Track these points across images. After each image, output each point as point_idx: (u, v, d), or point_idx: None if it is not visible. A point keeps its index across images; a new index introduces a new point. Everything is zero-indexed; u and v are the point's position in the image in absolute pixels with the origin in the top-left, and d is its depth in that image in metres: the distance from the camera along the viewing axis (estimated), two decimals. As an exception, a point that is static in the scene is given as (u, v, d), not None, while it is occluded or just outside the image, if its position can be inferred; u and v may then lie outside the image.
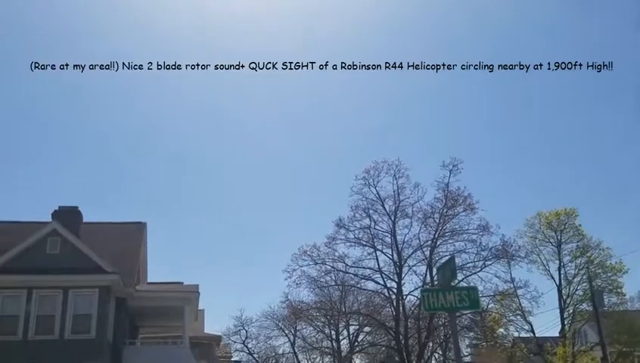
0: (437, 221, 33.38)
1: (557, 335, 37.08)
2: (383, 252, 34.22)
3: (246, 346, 50.40)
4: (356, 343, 46.15)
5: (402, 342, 33.99)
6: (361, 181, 33.98)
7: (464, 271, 32.83)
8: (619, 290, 35.26)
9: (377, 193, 33.97)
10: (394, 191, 33.98)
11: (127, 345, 22.73)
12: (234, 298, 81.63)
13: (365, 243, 33.98)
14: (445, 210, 33.37)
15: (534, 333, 36.90)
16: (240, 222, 79.99)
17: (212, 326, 73.34)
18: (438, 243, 33.80)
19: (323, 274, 34.98)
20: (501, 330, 37.75)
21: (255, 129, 76.50)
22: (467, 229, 33.14)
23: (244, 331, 49.83)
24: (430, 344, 39.50)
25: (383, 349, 42.09)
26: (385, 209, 34.10)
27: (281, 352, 51.52)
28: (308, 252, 33.86)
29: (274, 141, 76.50)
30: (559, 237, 36.67)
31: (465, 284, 30.40)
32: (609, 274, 35.18)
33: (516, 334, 38.40)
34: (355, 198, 33.99)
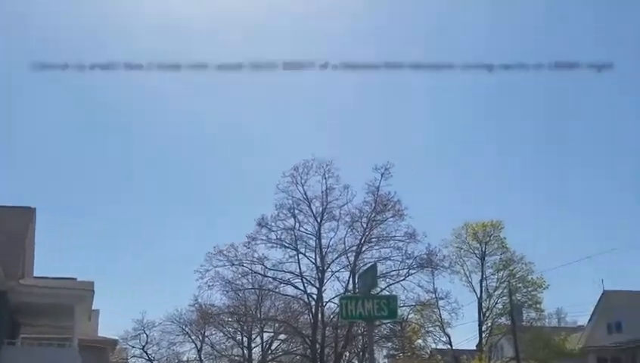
0: (365, 225, 34.92)
1: (474, 348, 40.05)
2: (306, 256, 35.35)
3: (146, 352, 50.33)
4: (269, 351, 46.81)
5: (318, 350, 35.19)
6: (289, 179, 34.68)
7: (387, 279, 34.67)
8: (538, 306, 38.53)
9: (305, 193, 34.93)
10: (322, 192, 35.07)
11: (5, 344, 21.54)
12: (136, 299, 79.61)
13: (287, 244, 34.90)
14: (373, 215, 34.93)
15: (451, 346, 39.25)
16: (146, 217, 78.16)
17: (108, 329, 71.45)
18: (363, 248, 35.29)
19: (239, 276, 35.60)
20: (420, 341, 40.28)
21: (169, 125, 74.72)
22: (394, 236, 34.95)
23: (145, 335, 49.70)
24: (347, 353, 41.38)
25: (298, 357, 43.03)
26: (311, 210, 35.23)
27: (185, 358, 51.39)
28: (224, 252, 34.27)
29: (192, 130, 75.60)
30: (484, 248, 39.64)
31: (388, 293, 31.82)
32: (529, 289, 38.29)
33: (433, 346, 41.14)
34: (281, 196, 34.70)
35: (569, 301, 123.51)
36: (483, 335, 39.53)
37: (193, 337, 49.10)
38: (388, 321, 32.42)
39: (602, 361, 39.64)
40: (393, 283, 34.74)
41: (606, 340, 40.74)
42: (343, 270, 35.73)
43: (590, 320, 43.74)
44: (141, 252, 79.46)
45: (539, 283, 38.35)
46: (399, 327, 39.90)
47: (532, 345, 37.00)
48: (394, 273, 34.88)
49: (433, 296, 37.10)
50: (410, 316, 37.69)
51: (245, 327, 46.21)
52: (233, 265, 34.78)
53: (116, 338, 46.03)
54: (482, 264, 39.75)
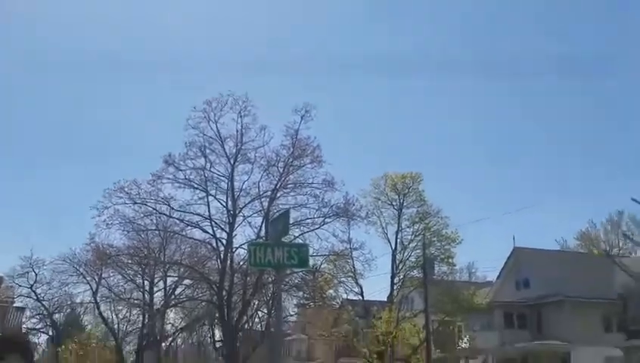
0: (281, 170, 35.01)
1: (385, 300, 41.39)
2: (216, 199, 35.24)
3: (35, 291, 49.85)
4: (173, 297, 47.44)
5: (225, 297, 35.62)
6: (201, 114, 34.04)
7: (301, 227, 35.16)
8: (450, 260, 39.93)
9: (218, 131, 34.54)
10: (237, 131, 34.78)
11: None
12: (25, 236, 77.96)
13: (196, 185, 34.56)
14: (291, 159, 35.02)
15: (363, 297, 40.51)
16: (37, 147, 76.15)
17: (-8, 266, 69.62)
18: (278, 194, 35.49)
19: (142, 216, 35.04)
20: (331, 291, 41.24)
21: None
22: (312, 183, 35.25)
23: (34, 274, 48.99)
24: (256, 302, 42.15)
25: (203, 304, 43.47)
26: (224, 150, 34.91)
27: (79, 300, 51.37)
28: (126, 189, 33.48)
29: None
30: (401, 200, 40.59)
31: (301, 241, 32.01)
32: (443, 243, 39.63)
33: (345, 296, 42.14)
34: (191, 133, 34.13)
35: (481, 256, 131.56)
36: (395, 287, 40.70)
37: (88, 278, 48.50)
38: (299, 269, 33.29)
39: (508, 317, 41.65)
40: (307, 232, 35.19)
41: (513, 296, 42.95)
42: (255, 215, 36.00)
43: (499, 276, 45.93)
44: (30, 187, 77.59)
45: (452, 238, 39.61)
46: (311, 277, 40.63)
47: (441, 299, 38.55)
48: (309, 221, 35.20)
49: (348, 246, 37.78)
50: (323, 266, 38.32)
51: (147, 271, 46.14)
52: (135, 203, 34.08)
53: (1, 275, 45.38)
54: (399, 216, 40.63)
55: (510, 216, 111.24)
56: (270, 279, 34.38)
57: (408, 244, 40.66)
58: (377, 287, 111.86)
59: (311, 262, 34.96)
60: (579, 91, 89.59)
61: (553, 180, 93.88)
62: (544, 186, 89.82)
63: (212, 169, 34.91)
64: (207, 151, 34.55)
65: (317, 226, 35.19)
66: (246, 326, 43.92)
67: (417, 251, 39.87)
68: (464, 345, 41.53)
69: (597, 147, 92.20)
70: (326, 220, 35.13)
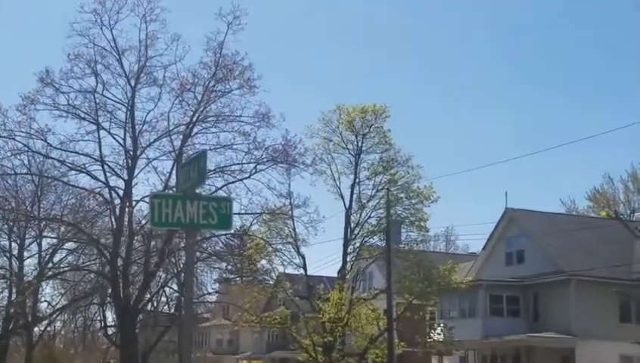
0: (199, 97, 34.97)
1: (335, 275, 41.98)
2: (110, 133, 35.08)
3: None
4: (50, 265, 47.55)
5: (121, 268, 35.79)
6: (91, 17, 33.48)
7: (225, 176, 35.40)
8: (422, 224, 40.22)
9: (114, 40, 34.24)
10: (140, 42, 34.46)
11: None
12: None
13: (83, 114, 34.36)
14: (212, 83, 34.97)
15: (306, 271, 41.17)
16: None
17: None
18: (195, 130, 35.51)
19: (9, 154, 34.94)
20: (264, 262, 41.83)
21: None
22: (240, 116, 35.33)
23: None
24: (162, 275, 42.58)
25: (92, 276, 43.39)
26: (123, 67, 34.75)
27: None
28: None
29: None
30: (360, 143, 40.89)
31: (224, 194, 32.64)
32: (413, 202, 40.18)
33: (281, 269, 42.84)
34: (77, 42, 33.64)
35: (461, 220, 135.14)
36: (349, 258, 41.53)
37: None
38: (220, 232, 33.93)
39: (495, 300, 42.71)
40: (232, 182, 35.48)
41: (503, 273, 44.05)
42: (163, 158, 35.86)
43: (485, 246, 47.04)
44: None
45: (426, 195, 40.12)
46: (237, 243, 41.05)
47: (409, 276, 39.40)
48: (236, 168, 35.58)
49: (287, 202, 38.20)
50: (253, 228, 38.68)
51: (15, 229, 46.16)
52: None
53: None
54: (356, 163, 41.22)
55: (501, 170, 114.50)
56: (182, 244, 34.33)
57: (368, 202, 41.02)
58: (324, 258, 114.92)
59: (237, 222, 35.32)
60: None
61: (558, 125, 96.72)
62: (546, 132, 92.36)
63: (105, 93, 34.71)
64: (99, 68, 34.31)
65: (246, 175, 35.47)
66: (149, 307, 44.16)
67: (380, 211, 40.28)
68: (437, 337, 42.22)
69: (612, 85, 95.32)
70: (259, 167, 35.48)
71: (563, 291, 40.50)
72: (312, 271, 42.72)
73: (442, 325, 42.57)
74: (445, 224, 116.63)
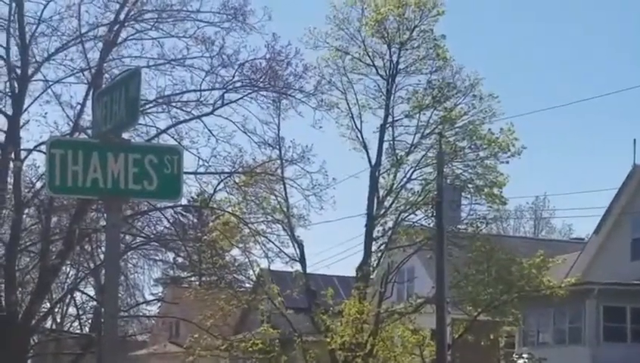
0: None
1: (353, 275, 42.62)
2: None
3: None
4: None
5: (3, 260, 36.25)
6: None
7: (174, 110, 36.17)
8: (496, 192, 40.56)
9: None
10: None
11: None
12: None
13: None
14: None
15: (304, 266, 41.92)
16: None
17: None
18: (125, 34, 36.28)
19: None
20: (237, 251, 42.94)
21: None
22: (198, 10, 35.79)
23: None
24: (71, 271, 43.32)
25: None
26: None
27: None
28: None
29: None
30: (396, 57, 40.92)
31: (173, 142, 32.96)
32: (482, 155, 40.47)
33: (265, 264, 43.56)
34: None
35: (560, 186, 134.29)
36: (375, 247, 41.83)
37: None
38: (165, 204, 33.67)
39: (614, 315, 43.12)
40: (185, 121, 36.18)
41: (626, 271, 44.35)
42: (72, 80, 36.08)
43: (599, 229, 47.35)
44: None
45: (503, 143, 40.38)
46: (194, 221, 42.40)
47: (474, 275, 39.99)
48: (191, 97, 36.47)
49: (275, 155, 39.17)
50: (219, 197, 39.26)
51: None
52: None
53: None
54: (389, 92, 41.31)
55: (624, 103, 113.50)
56: (102, 223, 34.82)
57: (407, 155, 41.51)
58: (335, 248, 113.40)
59: (192, 187, 36.69)
60: None
61: None
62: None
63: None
64: None
65: (208, 109, 36.30)
66: (48, 322, 44.77)
67: (426, 170, 40.90)
68: None
69: None
70: (228, 96, 36.28)
71: None
72: (314, 267, 44.13)
73: (526, 356, 42.88)
74: (533, 192, 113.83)
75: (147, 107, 34.54)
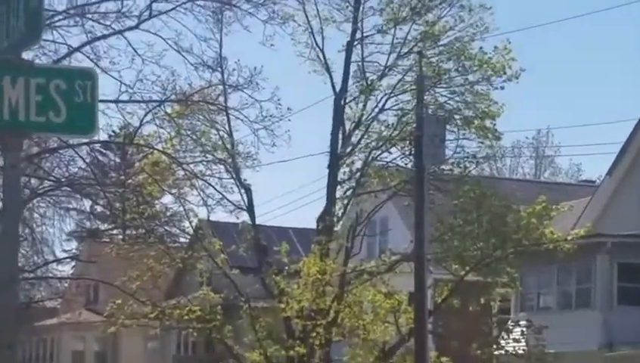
0: None
1: (314, 227, 42.72)
2: None
3: None
4: None
5: None
6: None
7: (89, 23, 35.56)
8: (488, 124, 40.84)
9: None
10: None
11: None
12: None
13: None
14: None
15: (253, 216, 42.29)
16: None
17: None
18: None
19: None
20: (169, 198, 43.57)
21: None
22: None
23: None
24: None
25: None
26: None
27: None
28: None
29: None
30: None
31: (87, 64, 33.07)
32: (471, 79, 40.67)
33: (204, 214, 44.16)
34: None
35: (566, 118, 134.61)
36: (340, 193, 42.35)
37: None
38: (79, 140, 33.08)
39: (630, 274, 43.21)
40: (104, 37, 35.77)
41: None
42: None
43: (612, 170, 47.28)
44: None
45: (496, 65, 40.55)
46: (117, 160, 43.33)
47: (461, 226, 40.51)
48: (110, 6, 36.11)
49: (217, 78, 39.63)
50: (146, 131, 39.35)
51: None
52: None
53: None
54: (357, 0, 41.30)
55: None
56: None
57: (379, 79, 41.79)
58: (290, 195, 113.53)
59: (113, 119, 36.21)
60: None
61: None
62: None
63: None
64: None
65: (133, 21, 36.07)
66: None
67: (403, 97, 41.56)
68: (513, 347, 42.90)
69: None
70: (157, 6, 36.09)
71: None
72: (265, 218, 45.74)
73: (524, 323, 43.21)
74: (534, 125, 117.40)
75: (56, 19, 34.15)
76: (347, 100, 41.64)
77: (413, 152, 37.33)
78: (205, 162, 41.94)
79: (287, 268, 40.48)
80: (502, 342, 43.14)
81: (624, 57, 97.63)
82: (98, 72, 16.51)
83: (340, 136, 41.47)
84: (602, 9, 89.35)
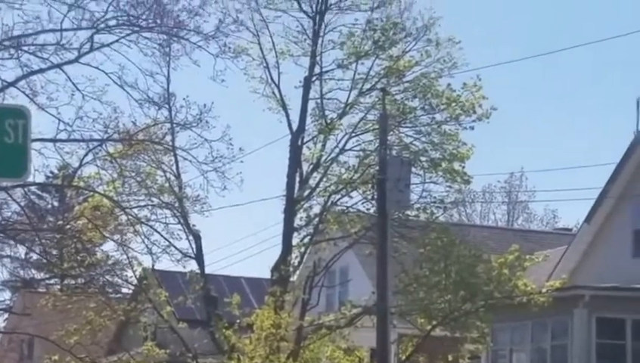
0: None
1: (268, 277, 42.58)
2: None
3: None
4: None
5: None
6: None
7: (25, 56, 35.94)
8: (457, 167, 40.45)
9: None
10: None
11: None
12: None
13: None
14: None
15: (202, 265, 42.09)
16: None
17: None
18: None
19: None
20: (111, 245, 44.26)
21: None
22: None
23: None
24: None
25: None
26: None
27: None
28: None
29: None
30: None
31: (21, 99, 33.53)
32: (438, 118, 40.46)
33: (148, 262, 43.43)
34: None
35: (542, 161, 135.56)
36: (296, 241, 41.98)
37: None
38: (10, 183, 31.92)
39: (610, 330, 42.52)
40: (41, 71, 36.00)
41: (624, 272, 43.42)
42: None
43: (590, 216, 46.42)
44: None
45: (466, 103, 40.57)
46: (54, 204, 43.76)
47: (427, 277, 39.95)
48: (48, 38, 36.35)
49: (164, 116, 39.69)
50: (87, 172, 39.69)
51: None
52: None
53: None
54: (315, 34, 41.56)
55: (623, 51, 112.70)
56: None
57: (340, 118, 41.94)
58: (241, 241, 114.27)
59: (51, 159, 36.23)
60: None
61: None
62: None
63: None
64: None
65: (73, 54, 36.33)
66: None
67: (365, 137, 41.51)
68: None
69: None
70: (99, 38, 36.49)
71: None
72: (215, 267, 45.30)
73: None
74: (507, 168, 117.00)
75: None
76: (305, 140, 41.74)
77: (376, 196, 36.87)
78: (150, 207, 41.95)
79: (238, 321, 39.67)
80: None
81: (603, 96, 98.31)
82: (35, 109, 17.37)
83: (297, 179, 41.32)
84: (583, 43, 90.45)
